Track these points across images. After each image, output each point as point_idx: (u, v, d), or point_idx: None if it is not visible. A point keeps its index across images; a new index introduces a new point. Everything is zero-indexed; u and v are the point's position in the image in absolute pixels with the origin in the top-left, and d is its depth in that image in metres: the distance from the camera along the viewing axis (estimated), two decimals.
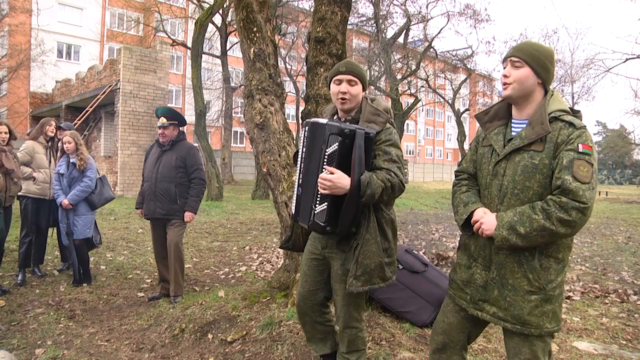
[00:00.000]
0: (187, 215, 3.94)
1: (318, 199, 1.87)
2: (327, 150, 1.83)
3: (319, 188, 1.83)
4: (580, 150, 1.50)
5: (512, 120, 1.71)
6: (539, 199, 1.56)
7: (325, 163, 1.84)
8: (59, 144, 4.62)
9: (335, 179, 1.79)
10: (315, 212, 1.89)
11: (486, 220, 1.63)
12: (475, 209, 1.70)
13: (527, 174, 1.58)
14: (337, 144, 1.81)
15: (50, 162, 4.71)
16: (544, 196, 1.56)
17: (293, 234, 2.26)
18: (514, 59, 1.63)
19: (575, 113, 1.63)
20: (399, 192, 1.92)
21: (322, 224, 1.88)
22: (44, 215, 4.67)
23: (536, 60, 1.61)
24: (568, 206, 1.46)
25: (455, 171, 1.94)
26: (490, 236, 1.61)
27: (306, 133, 1.99)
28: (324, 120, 1.89)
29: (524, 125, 1.64)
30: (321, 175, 1.82)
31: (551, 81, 1.65)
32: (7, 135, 4.20)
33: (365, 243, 1.90)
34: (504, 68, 1.68)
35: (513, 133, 1.68)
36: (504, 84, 1.66)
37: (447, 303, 1.86)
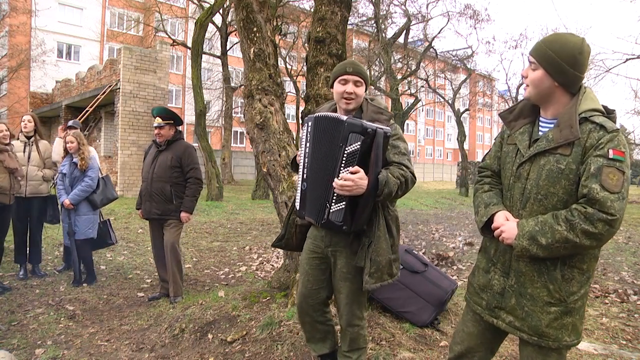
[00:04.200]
0: (183, 215, 3.93)
1: (334, 197, 1.84)
2: (347, 148, 1.79)
3: (338, 188, 1.79)
4: (611, 156, 1.37)
5: (540, 119, 1.59)
6: (564, 207, 1.45)
7: (344, 161, 1.80)
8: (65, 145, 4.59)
9: (358, 178, 1.76)
10: (331, 210, 1.87)
11: (507, 227, 1.52)
12: (496, 212, 1.60)
13: (552, 179, 1.47)
14: (359, 143, 1.77)
15: (29, 158, 4.56)
16: (569, 203, 1.45)
17: (287, 232, 2.25)
18: (530, 59, 1.52)
19: (610, 113, 1.49)
20: (412, 185, 1.93)
21: (339, 223, 1.86)
22: (21, 213, 4.56)
23: (550, 62, 1.46)
24: (594, 218, 1.34)
25: (478, 167, 1.83)
26: (510, 244, 1.52)
27: (312, 127, 1.96)
28: (342, 117, 1.84)
29: (552, 126, 1.52)
30: (343, 175, 1.77)
31: (576, 83, 1.49)
32: (8, 134, 4.21)
33: (377, 240, 1.92)
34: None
35: (540, 133, 1.56)
36: (525, 84, 1.57)
37: (466, 311, 1.77)
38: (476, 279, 1.71)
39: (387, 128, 1.83)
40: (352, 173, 1.77)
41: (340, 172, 1.79)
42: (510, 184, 1.61)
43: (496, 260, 1.63)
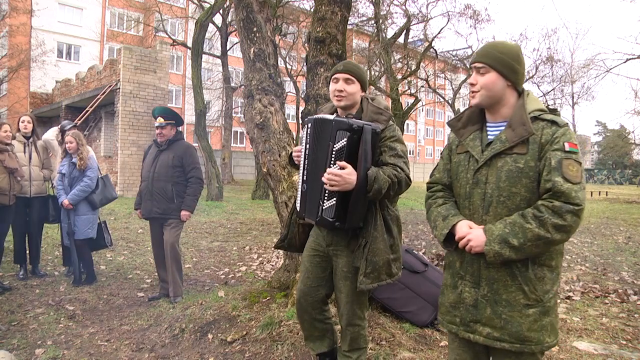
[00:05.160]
0: (184, 214, 3.92)
1: (326, 194, 1.87)
2: (335, 146, 1.83)
3: (326, 183, 1.83)
4: (567, 149, 1.42)
5: (487, 124, 1.61)
6: (527, 205, 1.46)
7: (332, 159, 1.84)
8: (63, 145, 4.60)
9: (345, 174, 1.79)
10: (324, 207, 1.89)
11: (474, 236, 1.49)
12: (457, 223, 1.57)
13: (512, 179, 1.48)
14: (345, 139, 1.81)
15: (30, 158, 4.57)
16: (532, 201, 1.46)
17: (289, 232, 2.26)
18: (478, 65, 1.54)
19: (554, 111, 1.55)
20: (406, 187, 1.93)
21: (331, 220, 1.89)
22: (23, 213, 4.56)
23: (501, 63, 1.52)
24: (562, 210, 1.37)
25: (427, 183, 1.80)
26: (480, 252, 1.48)
27: (309, 130, 1.99)
28: (330, 117, 1.89)
29: (502, 128, 1.55)
30: (330, 170, 1.81)
31: (522, 80, 1.57)
32: (11, 134, 4.22)
33: (373, 241, 1.92)
34: (471, 76, 1.60)
35: (490, 137, 1.58)
36: (471, 92, 1.58)
37: (451, 339, 1.69)
38: (445, 297, 1.66)
39: (376, 125, 1.87)
40: (340, 168, 1.80)
41: (329, 169, 1.83)
42: (468, 191, 1.59)
43: (464, 272, 1.59)
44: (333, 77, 2.08)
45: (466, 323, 1.57)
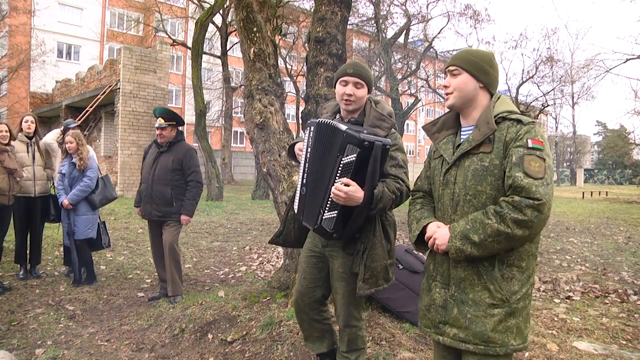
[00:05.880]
0: (183, 218, 3.92)
1: (328, 205, 1.85)
2: (343, 159, 1.78)
3: (332, 197, 1.80)
4: (530, 145, 1.43)
5: (461, 128, 1.65)
6: (494, 203, 1.47)
7: (339, 172, 1.79)
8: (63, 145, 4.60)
9: (351, 191, 1.75)
10: (324, 217, 1.87)
11: (439, 234, 1.53)
12: (427, 224, 1.61)
13: (477, 177, 1.50)
14: (355, 155, 1.76)
15: (34, 158, 4.58)
16: (497, 200, 1.47)
17: (285, 228, 2.26)
18: (451, 68, 1.59)
19: (524, 113, 1.58)
20: (406, 198, 1.93)
21: (329, 231, 1.87)
22: (26, 213, 4.56)
23: (473, 64, 1.56)
24: (522, 205, 1.37)
25: (411, 191, 1.85)
26: (445, 250, 1.51)
27: (313, 133, 1.95)
28: (342, 126, 1.81)
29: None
30: (336, 186, 1.77)
31: (495, 84, 1.61)
32: (8, 134, 4.21)
33: (372, 247, 1.92)
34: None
35: (462, 140, 1.62)
36: (446, 94, 1.62)
37: (435, 343, 1.69)
38: (422, 301, 1.68)
39: (387, 140, 1.81)
40: (345, 185, 1.76)
41: (335, 181, 1.79)
42: (440, 193, 1.63)
43: (435, 273, 1.61)
44: (342, 79, 2.02)
45: (435, 324, 1.58)
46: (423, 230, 1.62)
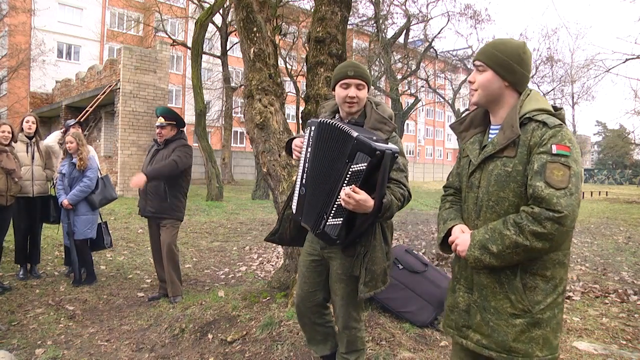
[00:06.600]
0: (139, 177, 3.66)
1: (333, 211, 1.82)
2: (352, 167, 1.74)
3: (341, 202, 1.76)
4: (554, 152, 1.33)
5: (490, 127, 1.57)
6: (516, 211, 1.40)
7: (347, 179, 1.76)
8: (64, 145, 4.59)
9: (361, 200, 1.71)
10: (327, 223, 1.85)
11: (461, 240, 1.49)
12: (453, 226, 1.56)
13: (500, 183, 1.44)
14: (365, 164, 1.71)
15: (33, 158, 4.58)
16: (520, 207, 1.40)
17: (280, 227, 2.25)
18: (477, 63, 1.51)
19: (557, 110, 1.47)
20: (407, 202, 1.93)
21: (334, 237, 1.85)
22: (25, 213, 4.56)
23: (497, 62, 1.46)
24: (541, 217, 1.30)
25: (443, 187, 1.80)
26: (465, 258, 1.47)
27: (315, 133, 1.93)
28: (353, 132, 1.75)
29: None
30: (348, 192, 1.72)
31: (523, 83, 1.50)
32: (10, 135, 4.21)
33: (372, 250, 1.92)
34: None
35: (489, 139, 1.54)
36: (471, 90, 1.55)
37: (454, 342, 1.66)
38: (447, 300, 1.65)
39: (395, 147, 1.77)
40: (353, 192, 1.72)
41: (343, 188, 1.75)
42: (465, 195, 1.58)
43: (460, 276, 1.57)
44: (342, 82, 2.00)
45: (459, 327, 1.55)
46: (448, 232, 1.58)
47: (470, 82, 1.55)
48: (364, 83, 2.00)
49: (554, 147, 1.34)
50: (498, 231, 1.38)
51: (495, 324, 1.44)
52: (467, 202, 1.57)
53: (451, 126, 1.70)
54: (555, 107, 1.48)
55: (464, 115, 1.67)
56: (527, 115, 1.43)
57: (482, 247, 1.40)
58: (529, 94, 1.49)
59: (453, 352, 1.69)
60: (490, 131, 1.56)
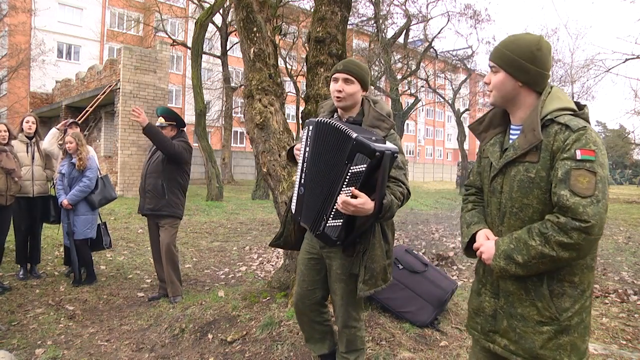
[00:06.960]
0: (141, 117, 3.74)
1: (332, 212, 1.81)
2: (352, 168, 1.73)
3: (339, 209, 1.75)
4: (579, 157, 1.27)
5: (511, 127, 1.51)
6: (540, 218, 1.36)
7: (347, 181, 1.75)
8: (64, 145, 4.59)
9: (360, 204, 1.70)
10: (327, 224, 1.84)
11: (486, 248, 1.45)
12: (477, 231, 1.53)
13: (524, 189, 1.39)
14: (365, 165, 1.70)
15: (33, 158, 4.59)
16: (545, 213, 1.35)
17: (285, 230, 2.24)
18: (491, 63, 1.46)
19: (580, 108, 1.40)
20: (406, 200, 1.93)
21: (334, 239, 1.85)
22: (25, 213, 4.57)
23: (508, 62, 1.41)
24: (567, 227, 1.25)
25: (465, 184, 1.76)
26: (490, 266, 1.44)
27: (312, 132, 1.93)
28: (353, 133, 1.74)
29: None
30: (345, 199, 1.71)
31: (540, 81, 1.42)
32: (7, 134, 4.21)
33: (372, 248, 1.91)
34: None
35: (510, 141, 1.48)
36: (488, 91, 1.51)
37: (474, 343, 1.64)
38: (471, 302, 1.62)
39: (395, 147, 1.76)
40: (353, 197, 1.71)
41: (342, 190, 1.74)
42: (488, 199, 1.54)
43: (485, 281, 1.54)
44: (333, 76, 2.04)
45: (486, 332, 1.53)
46: (472, 237, 1.55)
47: (486, 83, 1.51)
48: (352, 78, 1.99)
49: (578, 152, 1.28)
50: (523, 241, 1.34)
51: (522, 330, 1.41)
52: (490, 206, 1.53)
53: (470, 127, 1.65)
54: (578, 105, 1.42)
55: (483, 115, 1.61)
56: (548, 117, 1.36)
57: (508, 257, 1.37)
58: (549, 92, 1.42)
59: (472, 352, 1.68)
60: (511, 132, 1.51)
